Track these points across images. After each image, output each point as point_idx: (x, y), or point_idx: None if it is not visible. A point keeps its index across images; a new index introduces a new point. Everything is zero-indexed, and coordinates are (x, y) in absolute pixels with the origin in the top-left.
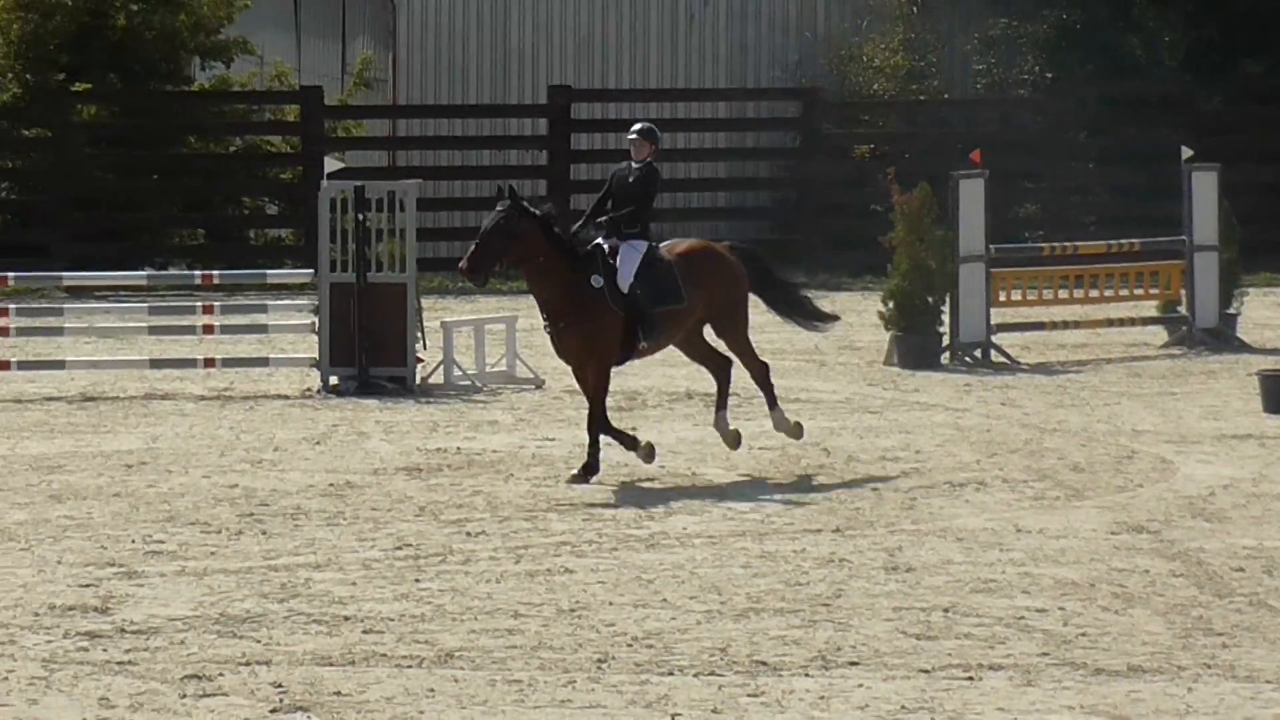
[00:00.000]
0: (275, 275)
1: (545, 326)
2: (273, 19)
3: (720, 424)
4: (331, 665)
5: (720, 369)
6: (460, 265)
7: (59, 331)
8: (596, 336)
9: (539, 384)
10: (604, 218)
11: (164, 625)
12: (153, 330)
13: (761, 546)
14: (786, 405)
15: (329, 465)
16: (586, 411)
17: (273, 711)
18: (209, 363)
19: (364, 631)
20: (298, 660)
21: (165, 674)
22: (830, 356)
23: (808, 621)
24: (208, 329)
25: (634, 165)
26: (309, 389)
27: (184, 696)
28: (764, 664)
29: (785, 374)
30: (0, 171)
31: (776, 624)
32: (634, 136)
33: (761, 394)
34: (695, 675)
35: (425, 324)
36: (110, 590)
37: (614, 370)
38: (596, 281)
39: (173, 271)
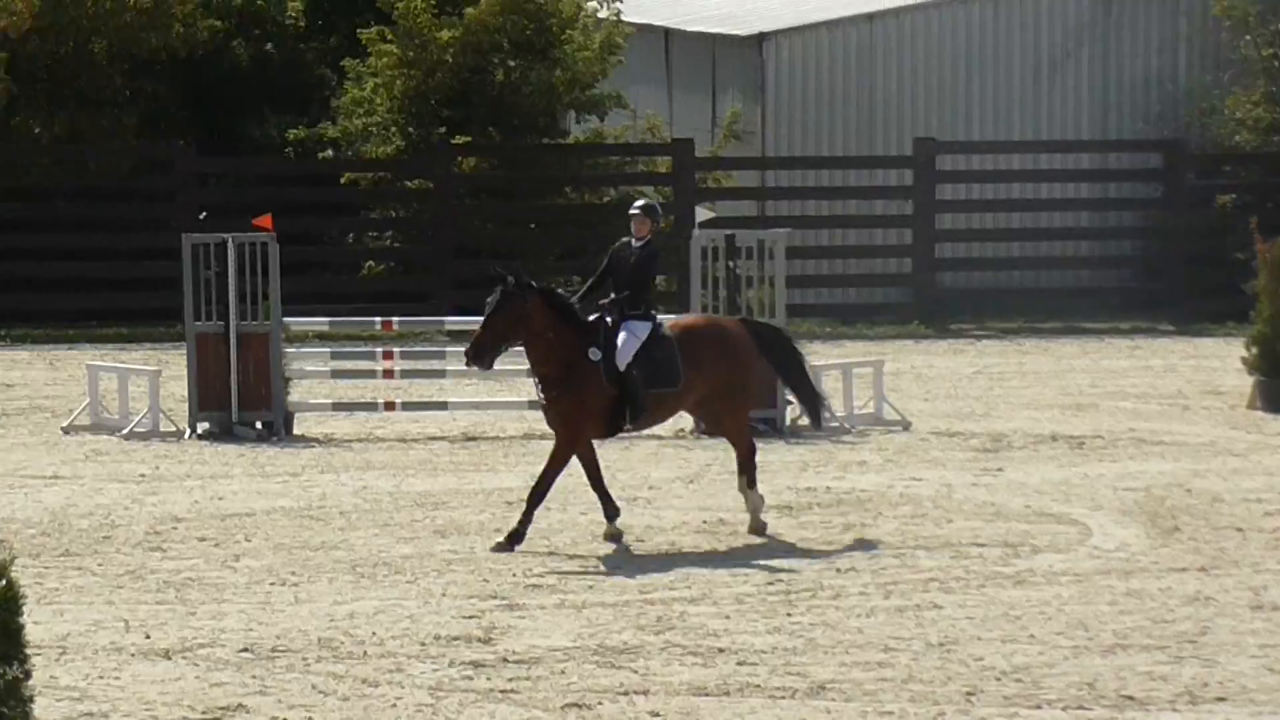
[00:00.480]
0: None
1: (538, 394)
2: (645, 74)
3: (746, 491)
4: (707, 695)
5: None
6: (465, 353)
7: (441, 374)
8: (581, 408)
9: (906, 426)
10: (606, 300)
11: (545, 655)
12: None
13: (1127, 584)
14: (1150, 448)
15: (702, 503)
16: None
17: None
18: None
19: (738, 663)
20: (674, 690)
21: (546, 702)
22: (1194, 401)
23: (1174, 658)
24: None
25: (634, 244)
26: (682, 430)
27: None
28: (1131, 699)
29: (1149, 417)
30: (384, 221)
31: (1143, 660)
32: (636, 213)
33: (742, 472)
34: (1063, 709)
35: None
36: (493, 621)
37: (601, 442)
38: (594, 354)
39: None
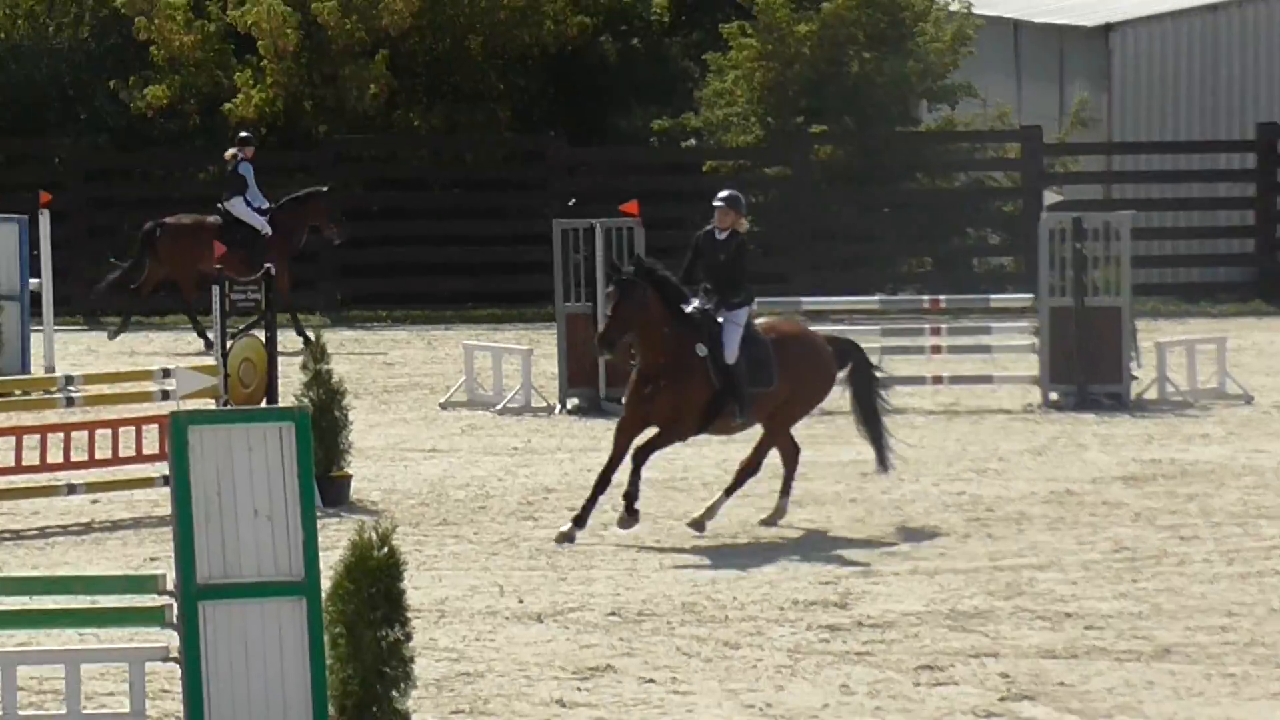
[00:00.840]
0: (998, 300)
1: (632, 386)
2: (994, 64)
3: (781, 508)
4: (1055, 658)
5: (788, 455)
6: (595, 340)
7: None
8: (688, 403)
9: (1248, 400)
10: (707, 287)
11: (898, 620)
12: (885, 350)
13: None
14: None
15: (1049, 474)
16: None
17: (1001, 699)
18: (936, 380)
19: (1085, 627)
20: (1023, 653)
21: (900, 664)
22: None
23: None
24: (935, 349)
25: (719, 234)
26: (1030, 404)
27: (917, 685)
28: None
29: None
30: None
31: None
32: (720, 204)
33: (785, 472)
34: None
35: (1139, 344)
36: (849, 587)
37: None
38: (701, 350)
39: (902, 297)
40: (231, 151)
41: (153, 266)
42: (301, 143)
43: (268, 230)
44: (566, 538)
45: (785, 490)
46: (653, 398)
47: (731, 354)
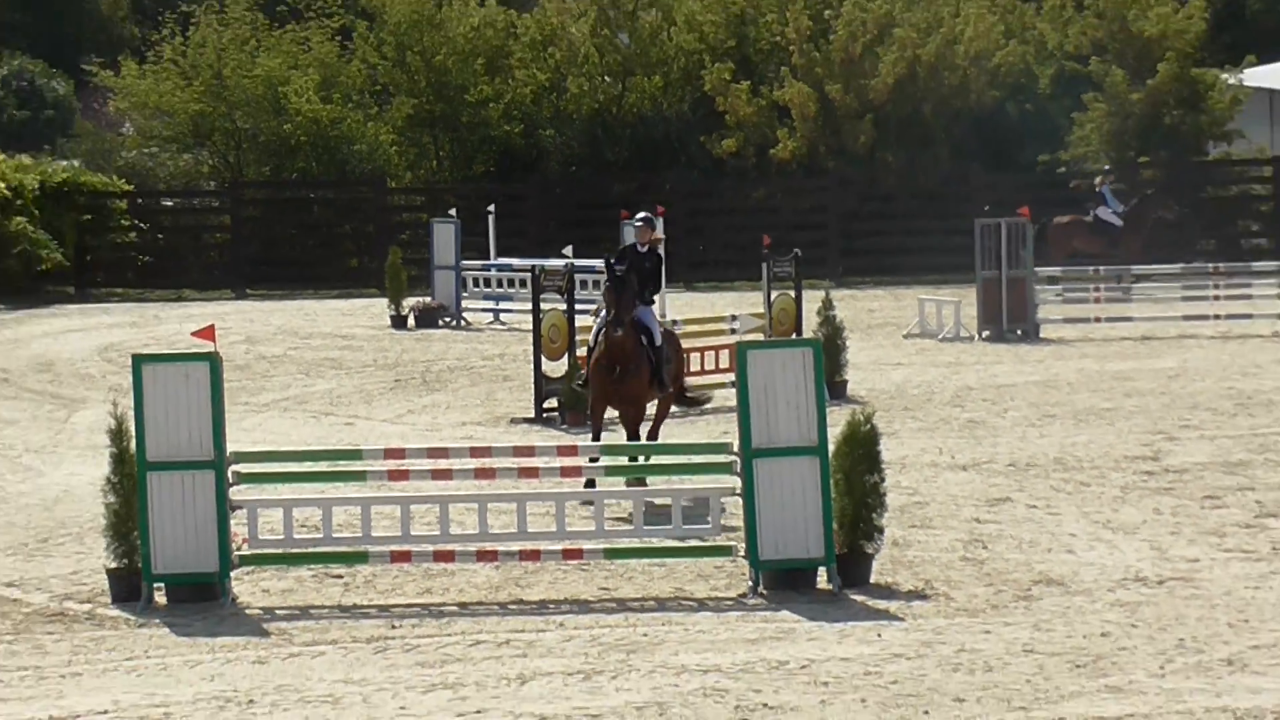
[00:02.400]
0: (1257, 265)
1: (600, 369)
2: (1257, 117)
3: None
4: None
5: (661, 413)
6: (611, 321)
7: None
8: (645, 382)
9: None
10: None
11: (1191, 467)
12: (1184, 298)
13: None
14: None
15: None
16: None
17: (1255, 517)
18: (1216, 316)
19: None
20: (1271, 488)
21: (1191, 495)
22: None
23: None
24: (1216, 297)
25: (641, 246)
26: (1277, 331)
27: (1202, 508)
28: None
29: None
30: None
31: None
32: (639, 224)
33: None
34: None
35: None
36: (1159, 447)
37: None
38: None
39: (1195, 264)
40: (1099, 179)
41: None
42: (818, 173)
43: (1118, 223)
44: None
45: (653, 434)
46: (624, 380)
47: (657, 339)
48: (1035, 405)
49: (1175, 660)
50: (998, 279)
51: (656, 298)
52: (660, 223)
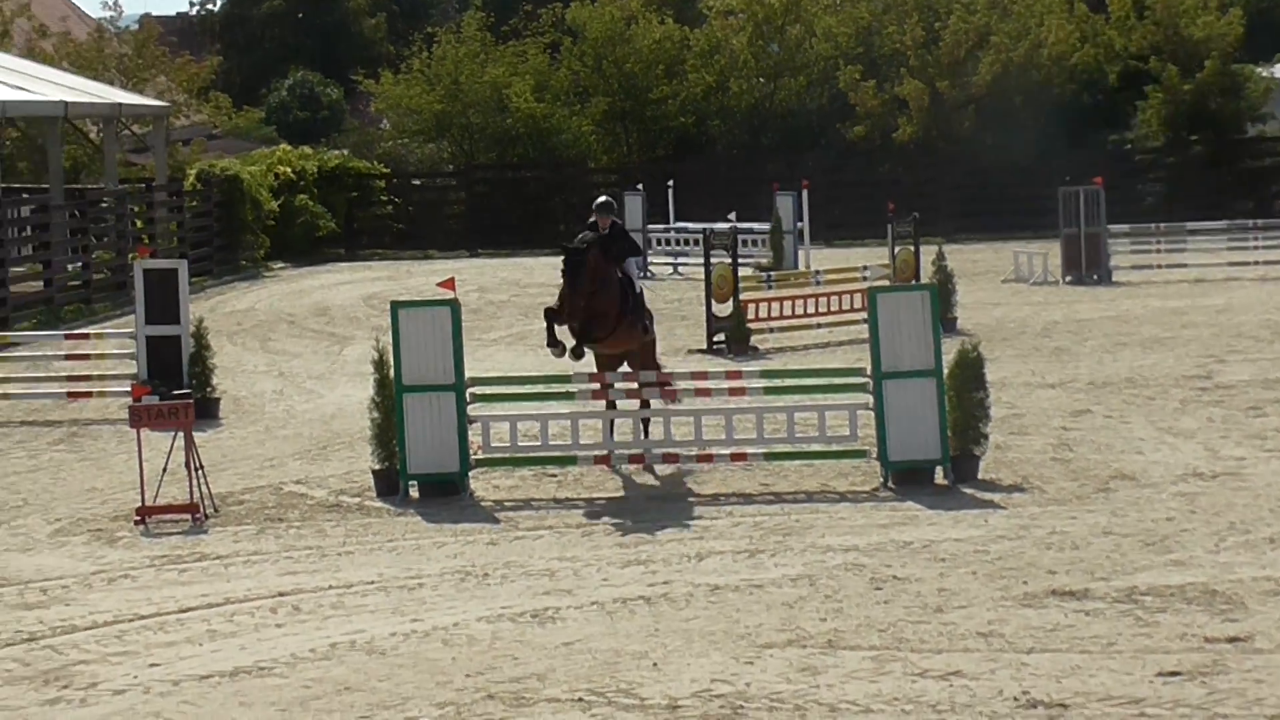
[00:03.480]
0: None
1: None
2: None
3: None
4: None
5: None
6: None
7: None
8: (619, 308)
9: None
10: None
11: (1237, 384)
12: (1229, 247)
13: None
14: None
15: None
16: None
17: None
18: (1256, 263)
19: None
20: None
21: (1237, 406)
22: None
23: None
24: (1256, 246)
25: (601, 229)
26: None
27: (1247, 417)
28: None
29: None
30: None
31: None
32: (599, 211)
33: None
34: None
35: None
36: (1211, 368)
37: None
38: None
39: (1238, 220)
40: None
41: None
42: (931, 152)
43: None
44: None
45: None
46: (619, 344)
47: (638, 285)
48: (1109, 335)
49: (1227, 539)
50: (1078, 234)
51: (635, 260)
52: (641, 201)
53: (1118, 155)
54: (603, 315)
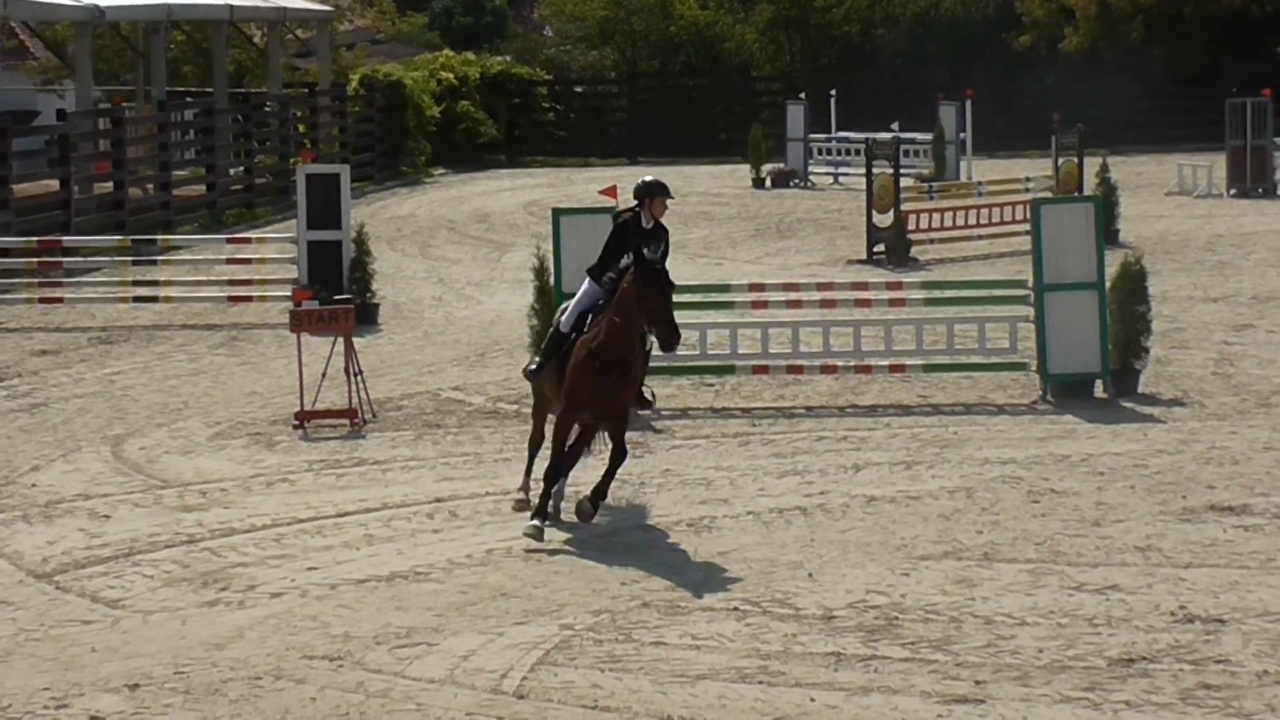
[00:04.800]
0: None
1: (593, 371)
2: None
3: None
4: None
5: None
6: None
7: None
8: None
9: None
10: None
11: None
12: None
13: None
14: None
15: None
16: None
17: None
18: None
19: None
20: None
21: None
22: None
23: None
24: None
25: (646, 223)
26: None
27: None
28: None
29: None
30: None
31: None
32: (650, 195)
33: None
34: None
35: None
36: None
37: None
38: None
39: None
40: None
41: None
42: (1098, 63)
43: None
44: (534, 533)
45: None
46: (619, 387)
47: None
48: (1273, 249)
49: None
50: (1243, 147)
51: None
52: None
53: None
54: (624, 412)
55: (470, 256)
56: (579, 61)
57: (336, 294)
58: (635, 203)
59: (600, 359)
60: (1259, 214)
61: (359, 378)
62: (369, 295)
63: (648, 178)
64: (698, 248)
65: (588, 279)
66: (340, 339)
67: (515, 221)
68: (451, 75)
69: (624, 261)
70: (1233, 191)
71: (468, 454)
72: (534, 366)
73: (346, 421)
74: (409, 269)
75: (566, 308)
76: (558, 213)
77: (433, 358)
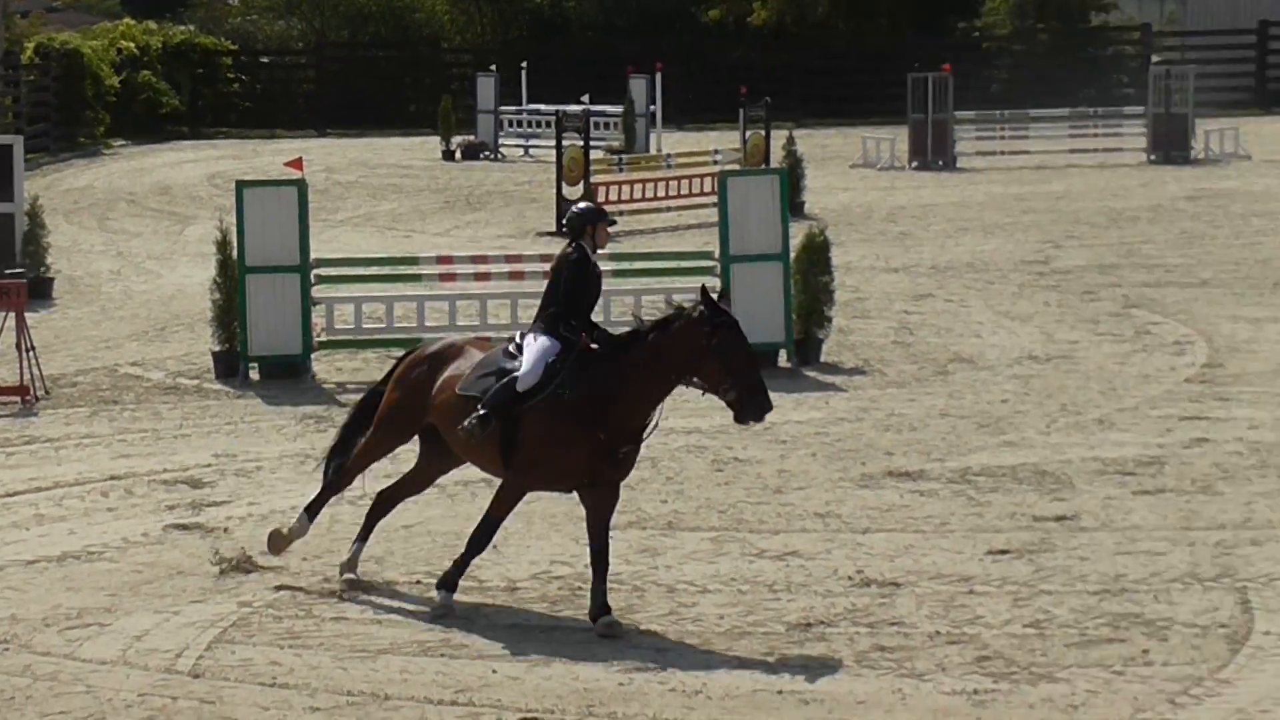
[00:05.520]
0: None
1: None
2: None
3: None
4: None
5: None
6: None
7: None
8: None
9: (1248, 157)
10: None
11: (1073, 269)
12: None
13: None
14: None
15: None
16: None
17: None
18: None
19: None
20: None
21: (1071, 290)
22: None
23: None
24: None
25: (601, 247)
26: (1141, 161)
27: (1081, 301)
28: None
29: None
30: None
31: None
32: (591, 220)
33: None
34: None
35: (1195, 128)
36: (1048, 254)
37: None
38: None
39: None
40: None
41: None
42: (785, 37)
43: None
44: (444, 611)
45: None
46: (625, 461)
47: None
48: (951, 220)
49: (1058, 421)
50: (925, 121)
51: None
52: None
53: (967, 44)
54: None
55: (151, 230)
56: (265, 31)
57: (9, 268)
58: (570, 237)
59: (608, 428)
60: (939, 186)
61: (31, 353)
62: (43, 269)
63: (580, 205)
64: (386, 220)
65: (535, 333)
66: (12, 314)
67: (198, 194)
68: (132, 45)
69: (677, 300)
70: (914, 164)
71: (145, 430)
72: (477, 420)
73: (17, 399)
74: (86, 242)
75: (507, 368)
76: (241, 185)
77: (110, 333)
